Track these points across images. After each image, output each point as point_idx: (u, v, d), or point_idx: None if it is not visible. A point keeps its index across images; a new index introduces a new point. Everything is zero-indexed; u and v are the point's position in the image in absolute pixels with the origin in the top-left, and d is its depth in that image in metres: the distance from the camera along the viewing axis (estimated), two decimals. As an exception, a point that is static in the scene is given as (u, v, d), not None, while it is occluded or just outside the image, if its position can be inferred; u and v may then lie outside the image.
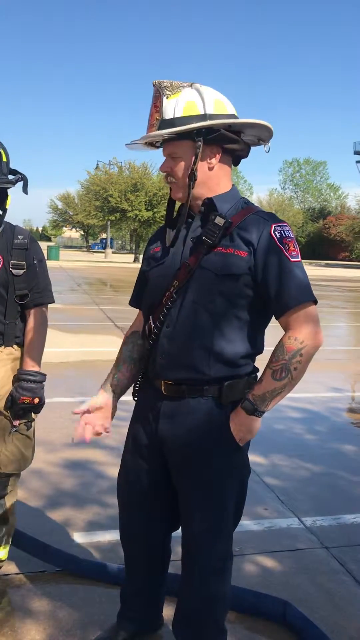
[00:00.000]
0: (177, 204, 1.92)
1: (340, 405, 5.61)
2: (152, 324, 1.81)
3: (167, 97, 1.70)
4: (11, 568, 2.54)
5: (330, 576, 2.62)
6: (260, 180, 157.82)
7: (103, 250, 48.40)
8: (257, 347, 1.80)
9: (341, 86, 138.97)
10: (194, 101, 1.71)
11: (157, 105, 1.71)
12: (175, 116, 1.69)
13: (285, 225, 1.75)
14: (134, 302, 2.04)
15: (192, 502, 1.79)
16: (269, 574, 2.62)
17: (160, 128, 1.70)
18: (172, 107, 1.70)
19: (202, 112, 1.71)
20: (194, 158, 1.72)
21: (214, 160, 1.75)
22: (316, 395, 5.80)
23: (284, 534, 2.99)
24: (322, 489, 3.57)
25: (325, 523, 3.12)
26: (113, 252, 43.26)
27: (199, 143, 1.71)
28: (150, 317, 1.83)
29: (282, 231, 1.72)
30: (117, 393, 1.95)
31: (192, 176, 1.74)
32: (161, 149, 1.82)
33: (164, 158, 1.79)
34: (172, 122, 1.69)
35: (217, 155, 1.75)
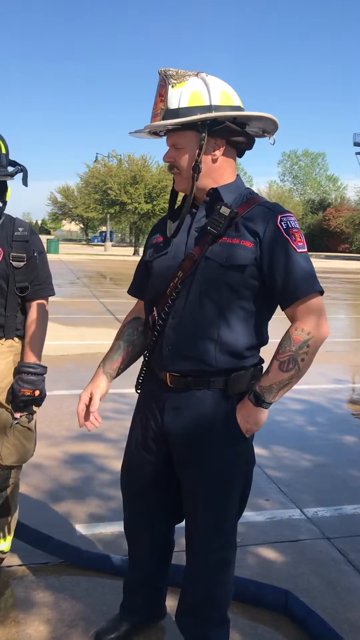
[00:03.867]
0: (180, 195, 1.90)
1: (341, 396, 5.62)
2: (156, 315, 1.80)
3: (172, 86, 1.66)
4: (14, 560, 2.55)
5: (332, 566, 2.63)
6: (260, 172, 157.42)
7: (103, 243, 48.34)
8: (262, 338, 1.80)
9: (340, 78, 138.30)
10: (200, 91, 1.68)
11: (162, 94, 1.68)
12: (180, 106, 1.66)
13: (291, 216, 1.73)
14: (133, 291, 2.03)
15: (197, 493, 1.79)
16: (271, 564, 2.63)
17: (164, 118, 1.67)
18: (177, 96, 1.66)
19: (207, 104, 1.67)
20: (197, 150, 1.70)
21: (217, 152, 1.73)
22: (317, 386, 5.81)
23: (286, 525, 3.00)
24: (324, 480, 3.58)
25: (327, 514, 3.13)
26: (113, 245, 43.28)
27: (204, 135, 1.68)
28: (154, 308, 1.81)
29: (288, 222, 1.71)
30: (113, 376, 1.94)
31: (196, 168, 1.71)
32: (164, 139, 1.79)
33: (167, 148, 1.77)
34: (177, 112, 1.66)
35: (222, 147, 1.73)
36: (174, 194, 1.89)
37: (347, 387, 6.13)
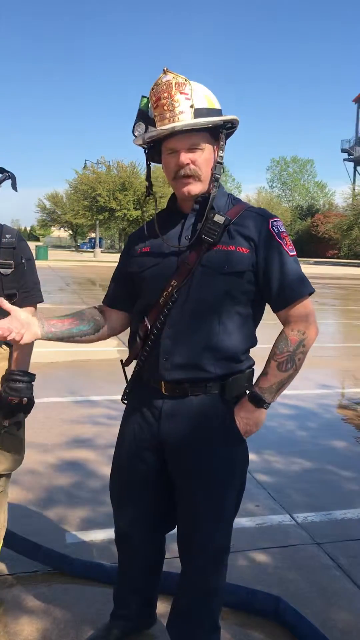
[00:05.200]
0: (162, 203, 1.89)
1: (329, 401, 5.64)
2: (148, 325, 1.78)
3: (191, 86, 1.66)
4: (3, 569, 2.53)
5: (322, 571, 2.64)
6: (248, 179, 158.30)
7: (92, 250, 48.26)
8: (253, 340, 1.82)
9: (328, 84, 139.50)
10: (209, 95, 1.72)
11: (184, 92, 1.65)
12: (206, 106, 1.68)
13: (279, 220, 1.77)
14: (110, 302, 1.99)
15: (196, 498, 1.78)
16: (261, 570, 2.63)
17: (196, 116, 1.65)
18: (200, 96, 1.68)
19: (218, 107, 1.73)
20: (217, 151, 1.73)
21: (222, 155, 1.75)
22: (306, 392, 5.82)
23: (276, 530, 3.00)
24: (313, 485, 3.59)
25: (317, 519, 3.14)
26: (102, 252, 43.29)
27: (222, 136, 1.72)
28: (145, 318, 1.79)
29: (278, 226, 1.75)
30: (43, 328, 1.77)
31: (218, 168, 1.73)
32: (162, 142, 1.73)
33: (171, 152, 1.71)
34: (206, 112, 1.67)
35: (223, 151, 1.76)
36: (172, 200, 1.87)
37: (336, 392, 6.15)
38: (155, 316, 1.76)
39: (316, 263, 43.41)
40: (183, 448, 1.77)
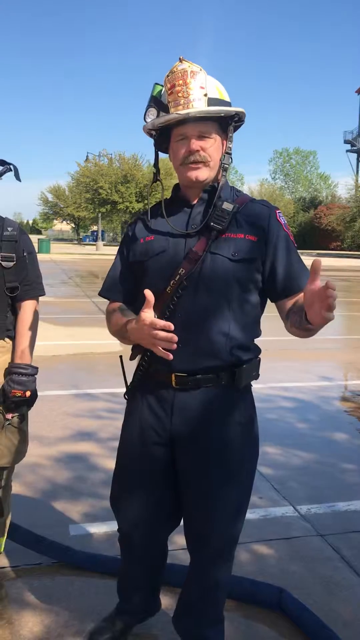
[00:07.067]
0: (156, 193, 1.89)
1: (332, 394, 5.64)
2: (155, 315, 1.71)
3: (205, 76, 1.68)
4: (7, 561, 2.54)
5: (325, 563, 2.64)
6: (251, 171, 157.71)
7: (94, 243, 48.29)
8: (260, 330, 1.83)
9: (331, 74, 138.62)
10: (220, 88, 1.74)
11: (198, 81, 1.67)
12: (218, 97, 1.71)
13: (280, 211, 1.80)
14: (113, 294, 1.91)
15: (212, 490, 1.76)
16: (265, 562, 2.64)
17: (210, 105, 1.68)
18: (212, 87, 1.70)
19: (228, 100, 1.75)
20: (225, 141, 1.76)
21: (231, 146, 1.77)
22: (308, 384, 5.82)
23: (279, 522, 3.01)
24: (316, 477, 3.60)
25: (320, 511, 3.14)
26: (104, 245, 43.24)
27: (231, 127, 1.74)
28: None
29: (282, 217, 1.78)
30: None
31: (227, 159, 1.75)
32: (172, 129, 1.74)
33: (181, 139, 1.72)
34: (218, 102, 1.70)
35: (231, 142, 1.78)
36: (175, 189, 1.87)
37: (338, 385, 6.14)
38: (162, 305, 1.71)
39: (319, 255, 43.24)
40: (198, 441, 1.74)
